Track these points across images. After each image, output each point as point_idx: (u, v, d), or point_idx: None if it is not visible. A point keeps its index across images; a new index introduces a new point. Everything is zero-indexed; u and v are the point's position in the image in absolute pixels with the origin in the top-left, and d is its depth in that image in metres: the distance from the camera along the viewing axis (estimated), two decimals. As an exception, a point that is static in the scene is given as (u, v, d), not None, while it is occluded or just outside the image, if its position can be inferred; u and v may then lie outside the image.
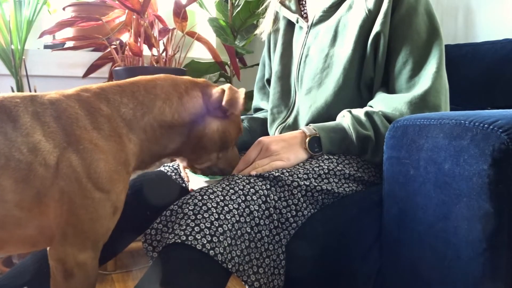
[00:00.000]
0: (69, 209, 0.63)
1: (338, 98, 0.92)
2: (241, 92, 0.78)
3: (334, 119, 0.90)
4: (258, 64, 1.27)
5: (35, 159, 0.62)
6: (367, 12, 0.89)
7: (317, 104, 0.94)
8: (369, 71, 0.90)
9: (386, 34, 0.87)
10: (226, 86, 0.78)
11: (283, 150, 0.82)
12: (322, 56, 0.96)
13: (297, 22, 1.05)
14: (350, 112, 0.86)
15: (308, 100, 0.97)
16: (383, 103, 0.85)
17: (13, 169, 0.60)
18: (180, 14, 1.66)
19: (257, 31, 1.19)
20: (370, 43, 0.88)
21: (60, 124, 0.65)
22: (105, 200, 0.66)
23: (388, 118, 0.84)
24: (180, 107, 0.75)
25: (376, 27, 0.88)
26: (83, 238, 0.65)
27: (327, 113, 0.92)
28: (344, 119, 0.86)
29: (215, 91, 0.79)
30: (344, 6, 0.95)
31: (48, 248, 0.69)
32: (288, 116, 1.04)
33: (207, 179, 0.85)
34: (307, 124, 0.95)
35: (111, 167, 0.66)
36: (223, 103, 0.76)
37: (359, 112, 0.85)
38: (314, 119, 0.94)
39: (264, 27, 1.16)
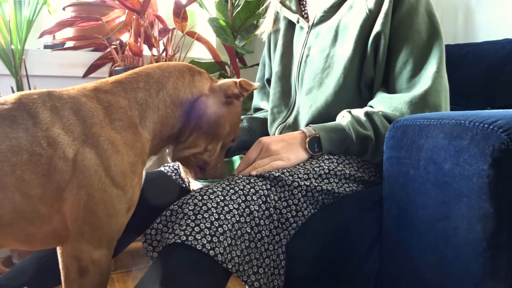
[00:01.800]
0: (86, 205, 0.64)
1: (339, 98, 0.92)
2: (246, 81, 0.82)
3: (335, 119, 0.90)
4: (258, 64, 1.27)
5: (55, 153, 0.62)
6: (367, 12, 0.89)
7: (318, 104, 0.94)
8: (369, 71, 0.90)
9: (387, 34, 0.87)
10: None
11: (283, 150, 0.82)
12: (323, 56, 0.96)
13: (298, 22, 1.05)
14: (350, 112, 0.86)
15: (308, 100, 0.97)
16: (383, 103, 0.85)
17: (35, 164, 0.61)
18: (180, 14, 1.66)
19: (257, 32, 1.19)
20: (370, 43, 0.88)
21: (79, 117, 0.66)
22: (122, 196, 0.66)
23: (388, 118, 0.84)
24: (191, 83, 0.79)
25: (377, 27, 0.88)
26: (99, 235, 0.66)
27: (327, 112, 0.93)
28: (343, 119, 0.86)
29: (221, 81, 0.83)
30: (345, 6, 0.95)
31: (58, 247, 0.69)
32: (288, 116, 1.04)
33: (206, 183, 0.85)
34: (307, 124, 0.95)
35: (129, 160, 0.68)
36: (238, 83, 0.80)
37: (359, 112, 0.85)
38: (315, 119, 0.94)
39: (265, 28, 1.16)
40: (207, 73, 0.84)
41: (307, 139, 0.83)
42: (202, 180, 0.86)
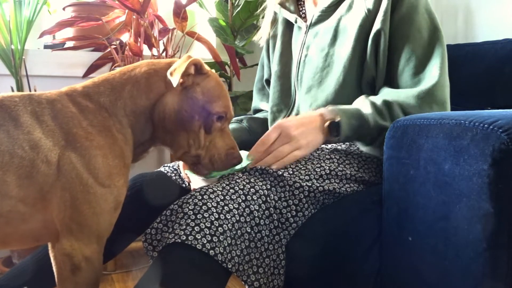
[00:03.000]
0: (72, 205, 0.65)
1: (339, 97, 0.92)
2: (186, 61, 0.72)
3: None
4: (258, 64, 1.27)
5: (37, 156, 0.64)
6: (366, 11, 0.90)
7: (318, 102, 0.94)
8: (370, 70, 0.90)
9: (387, 32, 0.87)
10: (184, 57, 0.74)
11: (303, 136, 0.80)
12: (322, 55, 0.96)
13: (296, 22, 1.05)
14: (369, 100, 0.85)
15: (308, 99, 0.97)
16: (391, 95, 0.85)
17: (16, 166, 0.62)
18: (180, 14, 1.66)
19: (254, 38, 1.18)
20: (370, 42, 0.89)
21: (57, 122, 0.67)
22: (107, 194, 0.67)
23: (403, 109, 0.83)
24: (147, 88, 0.74)
25: (376, 25, 0.88)
26: (88, 233, 0.67)
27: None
28: (364, 106, 0.84)
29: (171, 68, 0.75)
30: (344, 6, 0.95)
31: (50, 245, 0.69)
32: (289, 115, 1.04)
33: (207, 177, 0.85)
34: None
35: (109, 162, 0.68)
36: (168, 72, 0.73)
37: (378, 101, 0.84)
38: None
39: (262, 33, 1.15)
40: (167, 64, 0.76)
41: (326, 124, 0.81)
42: (208, 176, 0.84)
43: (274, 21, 1.15)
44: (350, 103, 0.90)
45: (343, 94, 0.91)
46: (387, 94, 0.86)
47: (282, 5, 1.10)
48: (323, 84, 0.95)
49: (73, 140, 0.66)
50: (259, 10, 1.21)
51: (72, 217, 0.65)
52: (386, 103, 0.83)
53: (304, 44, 1.02)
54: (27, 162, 0.63)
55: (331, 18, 0.97)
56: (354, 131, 0.82)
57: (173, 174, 1.01)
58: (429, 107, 0.82)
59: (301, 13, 1.08)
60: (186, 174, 0.92)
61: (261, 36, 1.16)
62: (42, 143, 0.64)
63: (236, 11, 1.75)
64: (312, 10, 1.04)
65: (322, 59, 0.96)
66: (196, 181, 0.87)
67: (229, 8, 1.81)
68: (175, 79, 0.71)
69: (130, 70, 0.76)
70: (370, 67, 0.90)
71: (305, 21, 1.04)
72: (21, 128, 0.64)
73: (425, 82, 0.83)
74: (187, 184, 0.99)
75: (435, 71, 0.83)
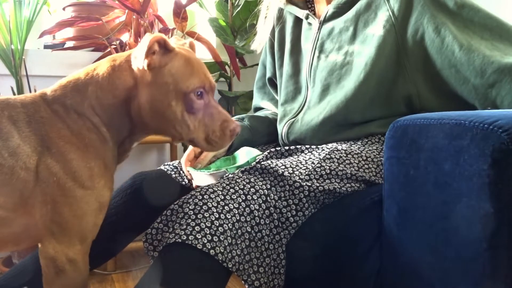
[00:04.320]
0: (53, 208, 0.65)
1: (358, 95, 0.90)
2: (146, 41, 0.67)
3: (353, 115, 0.90)
4: (258, 64, 1.27)
5: (16, 163, 0.63)
6: (389, 10, 0.88)
7: (337, 99, 0.93)
8: (410, 86, 0.88)
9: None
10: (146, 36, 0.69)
11: None
12: (341, 53, 0.95)
13: (307, 18, 1.03)
14: None
15: (325, 95, 0.96)
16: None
17: None
18: (180, 14, 1.66)
19: (252, 46, 1.14)
20: (410, 56, 0.86)
21: (31, 128, 0.66)
22: (88, 196, 0.67)
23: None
24: (111, 85, 0.70)
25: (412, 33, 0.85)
26: (69, 235, 0.67)
27: (345, 108, 0.91)
28: None
29: (131, 54, 0.72)
30: (361, 3, 0.93)
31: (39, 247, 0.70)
32: (299, 112, 1.03)
33: (212, 170, 0.85)
34: (322, 120, 0.94)
35: (86, 164, 0.67)
36: (132, 57, 0.69)
37: None
38: (332, 114, 0.93)
39: (260, 39, 1.12)
40: (129, 56, 0.72)
41: None
42: (206, 169, 0.84)
43: (279, 19, 1.13)
44: (369, 102, 0.90)
45: (363, 93, 0.90)
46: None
47: (290, 1, 1.08)
48: (341, 81, 0.93)
49: (48, 145, 0.66)
50: (255, 10, 1.19)
51: (54, 220, 0.65)
52: None
53: (318, 40, 1.00)
54: (7, 169, 0.63)
55: (347, 15, 0.95)
56: None
57: (173, 172, 1.01)
58: None
59: (310, 9, 1.07)
60: (189, 171, 0.92)
61: (259, 43, 1.13)
62: (20, 150, 0.64)
63: (236, 11, 1.75)
64: (324, 6, 1.02)
65: (341, 56, 0.95)
66: (199, 178, 0.87)
67: (229, 8, 1.81)
68: (139, 61, 0.66)
69: (93, 69, 0.73)
70: (409, 83, 0.88)
71: (315, 17, 1.03)
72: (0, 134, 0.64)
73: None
74: (187, 182, 0.99)
75: None
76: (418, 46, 0.85)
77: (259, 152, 0.92)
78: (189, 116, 0.72)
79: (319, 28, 1.01)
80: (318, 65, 0.99)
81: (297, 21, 1.09)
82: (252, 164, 0.81)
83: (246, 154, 0.96)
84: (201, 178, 0.86)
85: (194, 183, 0.90)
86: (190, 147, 0.96)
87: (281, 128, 1.04)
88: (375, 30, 0.90)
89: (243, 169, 0.80)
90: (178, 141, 0.77)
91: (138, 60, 0.68)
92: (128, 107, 0.72)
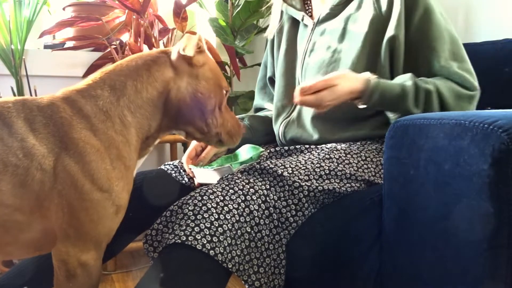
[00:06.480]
0: (69, 212, 0.64)
1: None
2: (195, 37, 0.74)
3: (341, 112, 0.90)
4: (258, 64, 1.27)
5: (31, 164, 0.62)
6: (377, 9, 0.90)
7: None
8: (385, 74, 0.90)
9: (402, 38, 0.87)
10: (185, 36, 0.75)
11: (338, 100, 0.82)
12: (329, 51, 0.96)
13: (303, 20, 1.05)
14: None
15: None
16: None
17: (11, 174, 0.61)
18: (180, 14, 1.66)
19: (265, 34, 1.18)
20: (384, 46, 0.89)
21: (49, 130, 0.65)
22: (105, 200, 0.65)
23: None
24: (150, 78, 0.73)
25: (390, 31, 0.88)
26: (85, 239, 0.65)
27: (334, 106, 0.91)
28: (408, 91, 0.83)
29: (173, 49, 0.76)
30: (353, 5, 0.96)
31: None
32: (293, 111, 1.03)
33: (215, 167, 0.85)
34: (313, 117, 0.95)
35: (106, 166, 0.66)
36: (180, 48, 0.73)
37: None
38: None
39: (271, 29, 1.15)
40: (163, 50, 0.77)
41: (360, 101, 0.83)
42: (208, 166, 0.83)
43: (280, 18, 1.15)
44: None
45: None
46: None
47: (287, 2, 1.10)
48: None
49: (67, 146, 0.64)
50: (263, 8, 1.20)
51: (70, 223, 0.64)
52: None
53: (310, 41, 1.02)
54: (22, 170, 0.62)
55: (339, 16, 0.98)
56: (383, 105, 0.85)
57: (174, 172, 1.01)
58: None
59: (307, 11, 1.08)
60: (190, 169, 0.92)
61: (272, 30, 1.16)
62: (35, 150, 0.63)
63: (236, 11, 1.75)
64: (320, 8, 1.04)
65: (329, 54, 0.96)
66: (202, 175, 0.87)
67: (229, 8, 1.81)
68: (189, 50, 0.72)
69: (125, 65, 0.74)
70: (385, 72, 0.90)
71: (312, 19, 1.05)
72: (15, 135, 0.63)
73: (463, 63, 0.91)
74: (187, 181, 0.99)
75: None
76: (401, 43, 0.88)
77: (263, 149, 0.93)
78: (219, 111, 0.79)
79: (313, 29, 1.02)
80: (309, 64, 1.00)
81: (294, 23, 1.10)
82: (252, 164, 0.81)
83: (248, 151, 0.96)
84: (205, 175, 0.86)
85: (197, 181, 0.90)
86: (191, 146, 0.97)
87: (278, 128, 1.05)
88: (362, 28, 0.91)
89: (242, 169, 0.80)
90: (198, 136, 0.79)
91: (189, 49, 0.73)
92: (164, 100, 0.74)
